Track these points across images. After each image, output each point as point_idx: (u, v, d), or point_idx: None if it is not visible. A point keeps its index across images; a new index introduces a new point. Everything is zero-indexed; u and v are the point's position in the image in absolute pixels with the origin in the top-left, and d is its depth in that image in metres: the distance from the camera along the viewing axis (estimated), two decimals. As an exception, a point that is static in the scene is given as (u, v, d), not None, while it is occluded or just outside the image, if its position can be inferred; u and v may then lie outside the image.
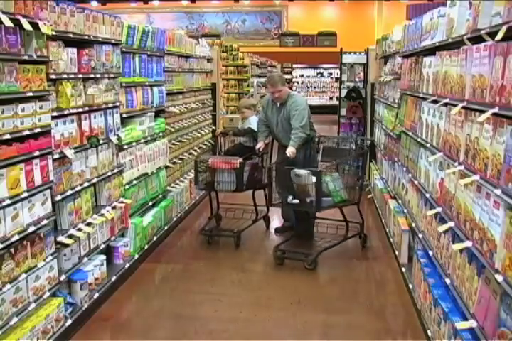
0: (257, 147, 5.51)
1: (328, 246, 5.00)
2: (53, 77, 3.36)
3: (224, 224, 5.83)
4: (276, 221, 6.19)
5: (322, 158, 5.32)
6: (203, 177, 5.43)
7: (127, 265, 4.50)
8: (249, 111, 6.08)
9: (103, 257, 4.12)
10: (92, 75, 3.87)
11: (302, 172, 4.70)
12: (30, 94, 3.07)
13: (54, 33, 3.29)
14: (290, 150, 5.17)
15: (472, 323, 2.53)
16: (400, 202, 4.99)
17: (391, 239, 5.29)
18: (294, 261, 4.89)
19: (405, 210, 4.56)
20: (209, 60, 8.13)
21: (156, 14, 22.93)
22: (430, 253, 3.52)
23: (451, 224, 2.99)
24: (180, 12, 23.05)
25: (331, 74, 22.68)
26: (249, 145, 5.73)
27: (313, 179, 4.62)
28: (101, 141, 4.00)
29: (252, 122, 5.92)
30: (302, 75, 23.26)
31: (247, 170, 5.27)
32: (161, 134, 5.48)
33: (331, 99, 22.58)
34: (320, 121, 18.93)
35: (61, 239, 3.49)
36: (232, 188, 5.29)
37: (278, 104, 5.51)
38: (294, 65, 22.46)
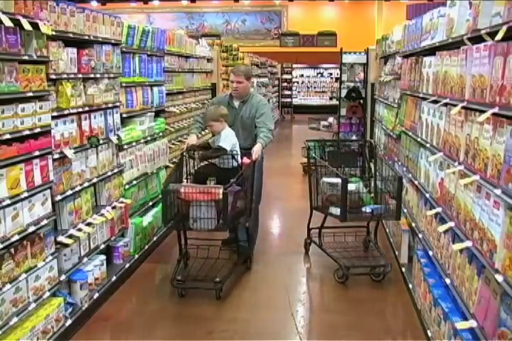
0: (187, 142, 4.72)
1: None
2: (53, 77, 3.36)
3: (198, 266, 4.53)
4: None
5: (329, 163, 4.92)
6: (174, 212, 4.18)
7: (127, 265, 4.50)
8: (217, 123, 4.62)
9: (103, 257, 4.12)
10: (92, 75, 3.87)
11: (335, 180, 4.47)
12: (30, 94, 3.07)
13: (54, 33, 3.29)
14: (257, 148, 4.55)
15: (472, 323, 2.53)
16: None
17: (391, 239, 5.29)
18: (293, 260, 4.87)
19: (405, 210, 4.56)
20: (209, 60, 8.14)
21: (156, 14, 22.93)
22: (430, 253, 3.52)
23: (451, 224, 2.99)
24: (180, 12, 23.05)
25: (331, 74, 22.68)
26: (225, 166, 4.64)
27: (354, 186, 4.39)
28: (101, 141, 4.00)
29: (225, 138, 4.58)
30: (302, 75, 23.25)
31: (230, 202, 4.09)
32: (161, 134, 5.48)
33: (331, 99, 22.58)
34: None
35: (61, 239, 3.49)
36: (211, 226, 4.08)
37: (236, 103, 4.93)
38: (294, 65, 22.44)
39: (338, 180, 4.39)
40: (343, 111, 9.30)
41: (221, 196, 3.96)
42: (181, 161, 4.59)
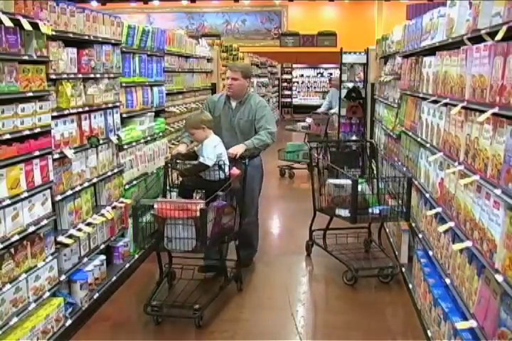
0: (175, 151, 4.25)
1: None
2: (53, 77, 3.36)
3: (179, 289, 4.11)
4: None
5: (331, 163, 4.81)
6: (150, 230, 3.75)
7: (127, 265, 4.50)
8: (198, 131, 4.05)
9: (103, 257, 4.11)
10: (92, 75, 3.87)
11: (343, 182, 4.42)
12: (30, 94, 3.07)
13: (54, 33, 3.29)
14: (237, 148, 4.13)
15: (472, 323, 2.53)
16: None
17: (391, 239, 5.29)
18: (293, 260, 4.87)
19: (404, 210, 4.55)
20: (209, 60, 8.15)
21: (156, 14, 22.91)
22: (430, 253, 3.52)
23: (451, 224, 2.98)
24: (180, 12, 23.03)
25: (331, 74, 22.66)
26: (212, 178, 4.08)
27: (360, 186, 4.28)
28: (101, 141, 4.00)
29: (206, 149, 4.00)
30: (302, 75, 23.23)
31: (211, 219, 3.62)
32: (161, 134, 5.48)
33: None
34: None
35: (61, 239, 3.49)
36: (188, 247, 3.59)
37: (233, 104, 4.49)
38: (294, 65, 22.43)
39: (346, 182, 4.35)
40: (343, 111, 9.30)
41: (199, 213, 3.45)
42: (166, 172, 4.17)
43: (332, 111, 9.62)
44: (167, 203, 3.59)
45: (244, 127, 4.44)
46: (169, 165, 4.18)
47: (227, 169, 4.02)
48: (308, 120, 9.55)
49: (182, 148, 4.31)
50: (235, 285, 4.26)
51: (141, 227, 3.69)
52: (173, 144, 6.02)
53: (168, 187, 4.20)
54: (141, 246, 3.99)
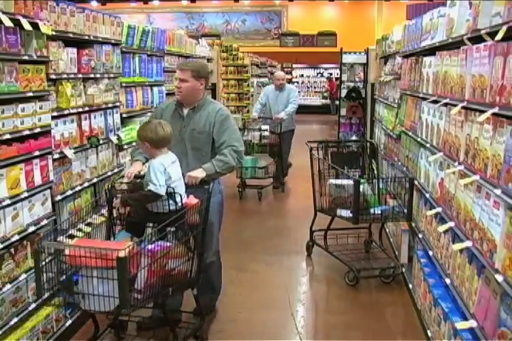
0: (129, 173, 3.28)
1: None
2: (53, 77, 3.36)
3: None
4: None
5: (332, 163, 4.79)
6: (58, 279, 2.79)
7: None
8: (143, 146, 3.18)
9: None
10: (92, 75, 3.87)
11: (344, 182, 4.39)
12: (30, 94, 3.07)
13: (54, 33, 3.29)
14: (194, 173, 3.25)
15: (472, 323, 2.53)
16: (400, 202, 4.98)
17: (391, 239, 5.29)
18: (292, 260, 4.86)
19: (405, 210, 4.55)
20: (209, 60, 8.15)
21: (156, 14, 22.93)
22: (430, 253, 3.52)
23: (451, 224, 2.98)
24: (180, 12, 23.06)
25: (331, 74, 22.69)
26: (159, 211, 3.09)
27: (361, 187, 4.21)
28: (101, 141, 4.00)
29: (149, 173, 3.07)
30: (302, 75, 23.29)
31: (145, 266, 2.73)
32: (161, 134, 5.46)
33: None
34: (321, 121, 19.02)
35: (61, 239, 3.48)
36: (108, 307, 2.64)
37: (185, 111, 3.52)
38: (294, 65, 22.48)
39: (347, 182, 4.34)
40: (343, 111, 9.32)
41: (117, 263, 2.52)
42: (109, 199, 3.26)
43: (281, 114, 7.51)
44: (81, 248, 2.61)
45: (196, 141, 3.47)
46: (110, 190, 3.26)
47: (179, 198, 3.07)
48: (265, 127, 7.69)
49: (138, 168, 3.37)
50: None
51: (41, 275, 2.72)
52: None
53: (112, 220, 3.28)
54: (46, 292, 2.84)
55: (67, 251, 2.67)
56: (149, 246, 2.81)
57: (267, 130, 7.59)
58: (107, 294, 2.61)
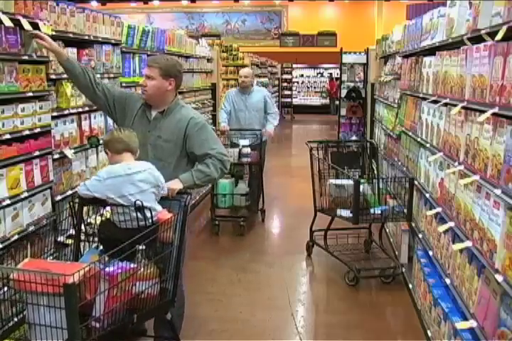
0: None
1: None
2: (53, 77, 3.36)
3: None
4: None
5: (332, 163, 4.76)
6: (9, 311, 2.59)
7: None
8: (108, 153, 2.83)
9: (103, 257, 4.09)
10: (92, 75, 3.87)
11: (345, 182, 4.38)
12: (30, 94, 3.07)
13: (54, 33, 3.29)
14: (173, 185, 2.89)
15: (472, 323, 2.53)
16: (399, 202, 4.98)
17: (391, 239, 5.29)
18: (292, 260, 4.86)
19: (405, 210, 4.55)
20: (209, 60, 8.15)
21: (156, 14, 22.94)
22: (430, 253, 3.52)
23: (451, 224, 2.98)
24: (180, 12, 23.06)
25: (331, 74, 22.69)
26: (128, 226, 2.70)
27: (361, 187, 4.19)
28: (101, 141, 4.00)
29: (100, 173, 2.79)
30: (302, 75, 23.26)
31: (103, 291, 2.35)
32: (161, 134, 5.46)
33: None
34: (321, 121, 19.02)
35: (61, 239, 3.49)
36: (58, 339, 2.23)
37: (153, 114, 3.07)
38: (294, 65, 22.45)
39: (347, 182, 4.33)
40: (343, 111, 9.32)
41: (65, 290, 2.13)
42: (79, 212, 2.92)
43: (271, 129, 6.27)
44: (30, 272, 2.21)
45: (160, 149, 3.01)
46: (71, 204, 2.89)
47: (150, 213, 2.67)
48: (245, 142, 5.93)
49: None
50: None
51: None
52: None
53: (82, 235, 2.95)
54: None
55: (14, 275, 2.28)
56: (108, 269, 2.39)
57: (248, 146, 5.85)
58: (54, 325, 2.23)
